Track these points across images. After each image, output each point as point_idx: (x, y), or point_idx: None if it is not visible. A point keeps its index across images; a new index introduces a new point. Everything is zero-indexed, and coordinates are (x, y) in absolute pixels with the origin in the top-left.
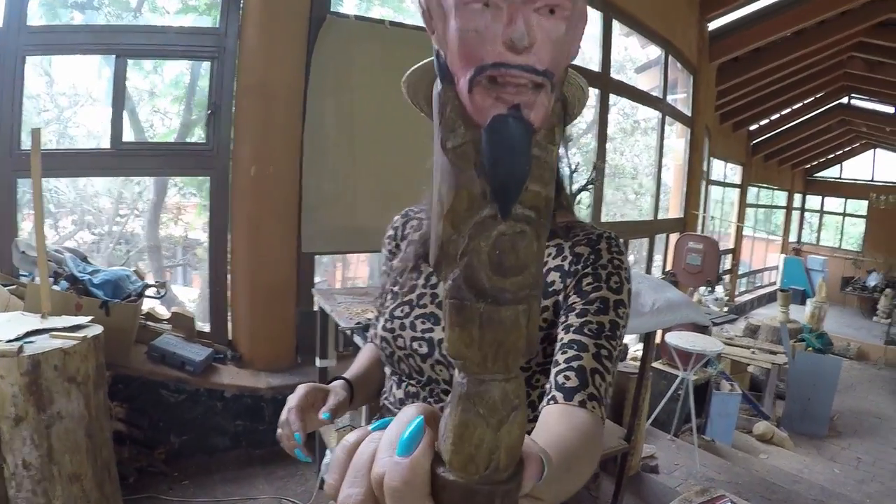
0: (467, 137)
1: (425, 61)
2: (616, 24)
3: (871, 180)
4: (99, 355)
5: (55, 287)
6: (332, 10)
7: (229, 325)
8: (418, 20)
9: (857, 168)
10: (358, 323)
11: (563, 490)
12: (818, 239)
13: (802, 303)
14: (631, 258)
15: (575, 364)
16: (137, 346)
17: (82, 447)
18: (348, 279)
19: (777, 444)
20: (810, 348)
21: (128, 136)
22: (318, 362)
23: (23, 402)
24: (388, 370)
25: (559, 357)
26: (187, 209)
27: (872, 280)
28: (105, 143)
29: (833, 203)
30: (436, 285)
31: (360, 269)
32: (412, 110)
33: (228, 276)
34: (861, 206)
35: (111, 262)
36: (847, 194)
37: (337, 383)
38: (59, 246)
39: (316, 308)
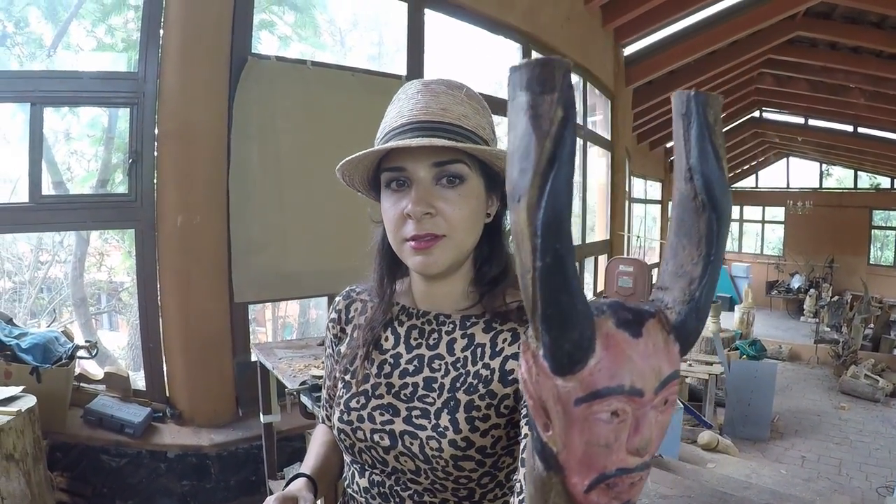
0: None
1: (356, 155)
2: (535, 54)
3: (787, 187)
4: (35, 428)
5: None
6: (252, 51)
7: (165, 381)
8: (339, 58)
9: (773, 176)
10: (303, 382)
11: None
12: (740, 246)
13: (731, 309)
14: None
15: None
16: (72, 410)
17: None
18: (279, 317)
19: (722, 451)
20: (744, 356)
21: (46, 182)
22: (262, 418)
23: None
24: (348, 458)
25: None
26: (110, 253)
27: (796, 282)
28: (23, 195)
29: (752, 211)
30: (390, 374)
31: (290, 307)
32: (337, 152)
33: (160, 331)
34: (779, 212)
35: (34, 311)
36: (765, 202)
37: (301, 484)
38: None
39: (254, 358)
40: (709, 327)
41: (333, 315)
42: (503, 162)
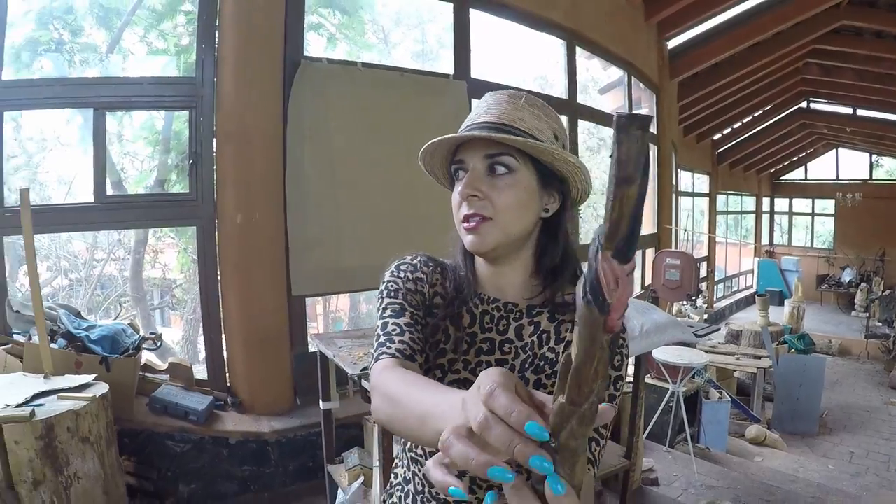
0: (607, 339)
1: (428, 144)
2: (579, 49)
3: (837, 179)
4: (108, 413)
5: (53, 345)
6: (304, 54)
7: (226, 371)
8: (383, 57)
9: (822, 168)
10: (364, 368)
11: None
12: (790, 240)
13: (781, 303)
14: None
15: None
16: (138, 398)
17: None
18: (330, 312)
19: (770, 445)
20: (793, 350)
21: (107, 182)
22: (321, 405)
23: (39, 466)
24: None
25: None
26: (164, 250)
27: (847, 276)
28: (86, 195)
29: (801, 204)
30: (466, 352)
31: (341, 301)
32: (389, 150)
33: (221, 323)
34: (828, 204)
35: (90, 307)
36: (814, 194)
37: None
38: (52, 303)
39: (313, 349)
40: (757, 321)
41: (420, 275)
42: (550, 157)
